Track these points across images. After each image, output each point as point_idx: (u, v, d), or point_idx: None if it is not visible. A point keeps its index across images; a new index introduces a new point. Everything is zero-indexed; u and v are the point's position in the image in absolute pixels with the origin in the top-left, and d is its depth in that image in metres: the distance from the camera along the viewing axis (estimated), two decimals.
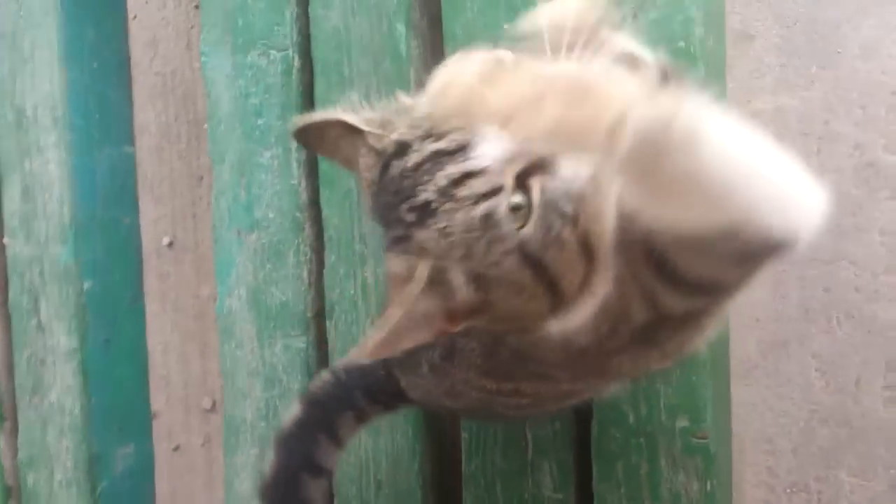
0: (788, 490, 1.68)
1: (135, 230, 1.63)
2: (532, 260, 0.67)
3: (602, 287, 0.71)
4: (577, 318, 0.73)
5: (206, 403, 2.18)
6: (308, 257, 1.32)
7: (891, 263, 1.48)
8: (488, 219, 0.65)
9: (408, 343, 0.70)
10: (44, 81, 1.51)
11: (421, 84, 1.12)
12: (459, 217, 0.65)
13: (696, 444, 1.08)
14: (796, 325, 1.66)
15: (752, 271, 0.73)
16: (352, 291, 1.25)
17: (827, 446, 1.64)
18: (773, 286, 1.66)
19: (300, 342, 1.32)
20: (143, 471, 1.67)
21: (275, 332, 1.34)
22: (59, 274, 1.53)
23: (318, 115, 0.76)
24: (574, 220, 0.66)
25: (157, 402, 2.09)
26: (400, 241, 0.69)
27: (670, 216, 0.64)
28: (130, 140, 1.61)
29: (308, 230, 1.33)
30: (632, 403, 1.10)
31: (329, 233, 1.29)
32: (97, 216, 1.55)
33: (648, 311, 0.74)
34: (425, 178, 0.66)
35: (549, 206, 0.65)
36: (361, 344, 0.70)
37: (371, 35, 1.25)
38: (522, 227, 0.66)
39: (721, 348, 1.20)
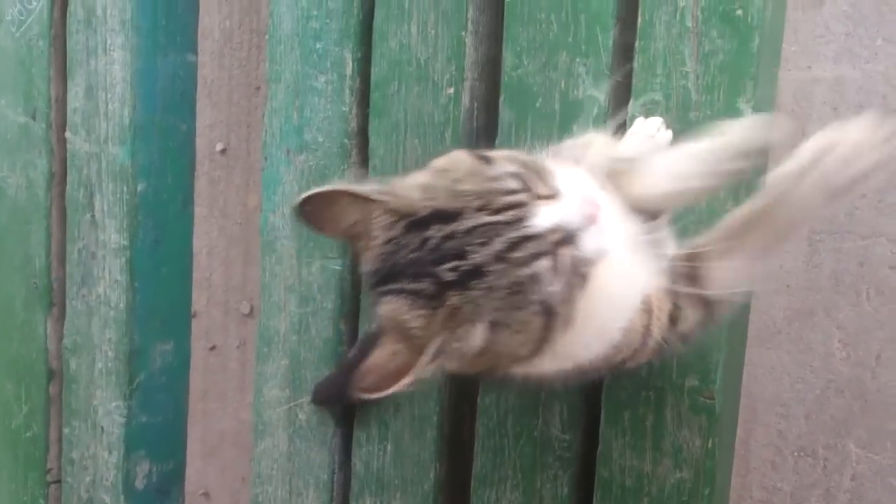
0: (796, 453, 1.71)
1: (191, 137, 1.65)
2: (548, 310, 0.81)
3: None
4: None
5: (245, 308, 2.26)
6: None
7: None
8: (534, 277, 0.79)
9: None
10: None
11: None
12: (509, 276, 0.78)
13: (702, 404, 1.11)
14: (826, 295, 1.67)
15: None
16: None
17: (839, 416, 1.67)
18: (808, 255, 1.67)
19: (336, 264, 1.36)
20: (180, 367, 1.71)
21: (313, 253, 1.38)
22: (115, 173, 1.57)
23: (328, 186, 0.86)
24: (584, 281, 0.82)
25: (198, 302, 2.16)
26: (424, 296, 0.80)
27: None
28: (194, 49, 1.63)
29: (354, 157, 1.35)
30: None
31: (374, 161, 1.32)
32: (156, 120, 1.57)
33: None
34: (478, 241, 0.79)
35: (574, 270, 0.80)
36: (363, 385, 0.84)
37: None
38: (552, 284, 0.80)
39: (741, 313, 1.22)
